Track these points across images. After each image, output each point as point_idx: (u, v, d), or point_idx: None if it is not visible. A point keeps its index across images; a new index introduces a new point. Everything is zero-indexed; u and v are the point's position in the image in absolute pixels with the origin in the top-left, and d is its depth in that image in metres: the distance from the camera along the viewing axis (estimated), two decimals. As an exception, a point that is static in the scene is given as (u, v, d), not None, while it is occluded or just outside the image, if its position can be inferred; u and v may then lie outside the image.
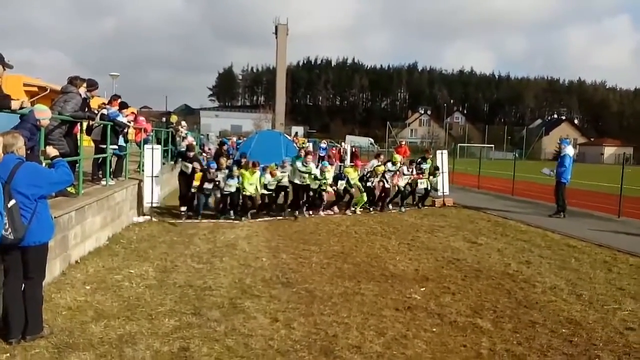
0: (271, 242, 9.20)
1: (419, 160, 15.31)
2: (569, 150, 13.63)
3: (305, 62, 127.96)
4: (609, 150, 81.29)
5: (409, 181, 14.23)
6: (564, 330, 5.20)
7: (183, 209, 11.45)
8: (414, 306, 5.83)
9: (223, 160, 11.83)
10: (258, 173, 11.62)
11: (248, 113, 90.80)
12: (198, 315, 5.27)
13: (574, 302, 6.13)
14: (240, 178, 11.34)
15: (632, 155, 76.11)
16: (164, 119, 18.11)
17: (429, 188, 14.79)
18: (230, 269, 7.12)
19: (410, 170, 14.32)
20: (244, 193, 11.50)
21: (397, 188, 14.06)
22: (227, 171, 11.35)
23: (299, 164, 12.32)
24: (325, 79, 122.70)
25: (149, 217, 10.74)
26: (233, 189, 11.31)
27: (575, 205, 14.78)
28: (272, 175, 11.87)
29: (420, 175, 14.46)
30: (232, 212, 11.67)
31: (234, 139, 45.27)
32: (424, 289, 6.53)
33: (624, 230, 11.59)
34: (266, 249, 8.62)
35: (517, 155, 34.02)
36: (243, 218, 11.46)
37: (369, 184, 13.64)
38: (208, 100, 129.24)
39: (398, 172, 14.04)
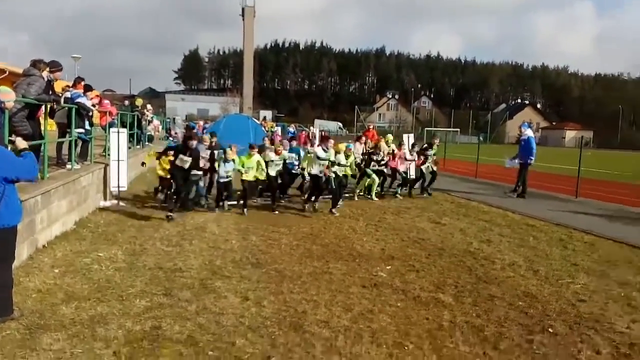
0: (240, 224, 9.28)
1: (425, 146, 14.39)
2: (530, 133, 14.12)
3: (273, 45, 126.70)
4: (570, 134, 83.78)
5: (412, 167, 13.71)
6: (520, 303, 5.50)
7: (171, 214, 9.56)
8: (380, 283, 6.05)
9: (206, 138, 10.95)
10: (257, 156, 10.64)
11: (215, 97, 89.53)
12: (169, 295, 5.35)
13: (531, 277, 6.46)
14: (236, 162, 10.38)
15: (591, 139, 78.85)
16: (126, 102, 17.76)
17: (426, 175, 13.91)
18: (200, 251, 7.19)
19: (413, 156, 13.63)
20: (242, 179, 10.44)
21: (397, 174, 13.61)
22: (219, 153, 10.50)
23: (318, 150, 10.84)
24: (293, 62, 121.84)
25: (115, 202, 10.65)
26: (231, 175, 10.50)
27: (536, 187, 15.32)
28: (277, 153, 10.95)
29: (424, 162, 13.65)
30: (224, 203, 10.70)
31: (201, 122, 44.80)
32: (389, 267, 6.76)
33: (580, 210, 12.12)
34: (235, 231, 8.70)
35: (481, 139, 34.82)
36: (245, 210, 10.31)
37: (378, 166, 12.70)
38: (174, 83, 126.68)
39: (400, 157, 13.45)
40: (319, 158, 10.60)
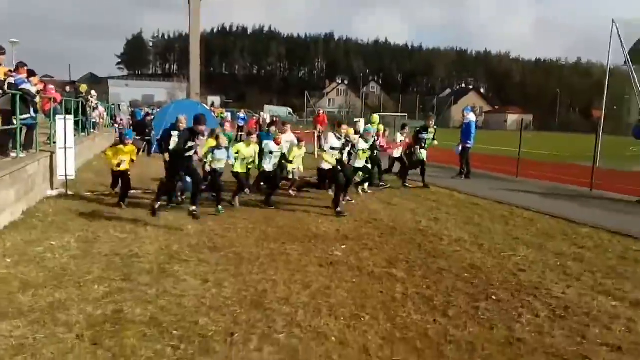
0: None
1: (419, 129, 13.16)
2: (472, 117, 14.74)
3: (220, 29, 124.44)
4: (511, 118, 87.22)
5: (406, 151, 12.85)
6: (466, 274, 5.88)
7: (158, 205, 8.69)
8: (336, 262, 6.28)
9: (183, 118, 9.42)
10: (256, 147, 9.73)
11: (161, 82, 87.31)
12: (128, 280, 5.37)
13: (476, 251, 6.88)
14: (231, 151, 9.20)
15: (531, 122, 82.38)
16: (67, 89, 17.13)
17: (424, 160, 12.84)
18: (156, 237, 7.19)
19: (404, 136, 12.78)
20: (233, 170, 9.52)
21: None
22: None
23: (331, 138, 9.66)
24: (241, 47, 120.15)
25: (63, 191, 10.38)
26: (222, 165, 9.17)
27: (479, 168, 16.04)
28: (277, 142, 9.94)
29: (417, 147, 12.69)
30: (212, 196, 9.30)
31: (146, 108, 43.61)
32: (344, 246, 7.01)
33: (521, 189, 12.84)
34: (190, 216, 8.70)
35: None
36: (233, 203, 9.43)
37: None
38: (116, 68, 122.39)
39: (388, 142, 12.82)
40: (332, 148, 9.41)
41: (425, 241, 7.37)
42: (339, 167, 9.39)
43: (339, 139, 9.43)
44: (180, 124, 9.27)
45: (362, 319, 4.54)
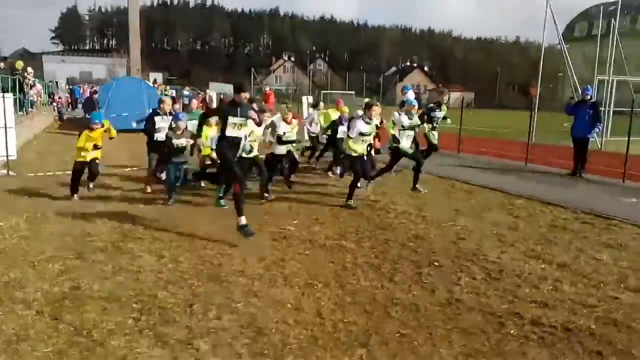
0: (146, 188, 9.21)
1: (431, 106, 11.75)
2: (411, 95, 15.18)
3: (160, 2, 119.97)
4: (454, 95, 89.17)
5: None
6: (411, 244, 6.27)
7: (149, 189, 8.79)
8: (289, 236, 6.53)
9: (167, 99, 9.16)
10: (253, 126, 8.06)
11: (99, 58, 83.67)
12: (82, 259, 5.41)
13: (420, 223, 7.30)
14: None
15: (473, 100, 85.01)
16: (1, 65, 16.31)
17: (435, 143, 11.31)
18: (108, 216, 7.17)
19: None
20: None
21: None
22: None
23: (403, 117, 9.01)
24: (183, 21, 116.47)
25: (4, 172, 10.05)
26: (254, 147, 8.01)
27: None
28: (288, 122, 9.05)
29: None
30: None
31: (86, 86, 41.90)
32: (296, 221, 7.25)
33: (462, 164, 13.53)
34: (142, 195, 8.70)
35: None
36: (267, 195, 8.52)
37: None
38: (50, 43, 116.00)
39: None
40: (361, 134, 8.14)
41: (373, 214, 7.74)
42: (364, 156, 8.28)
43: (368, 123, 8.20)
44: (165, 105, 8.74)
45: (315, 287, 4.82)
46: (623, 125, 13.35)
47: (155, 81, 47.59)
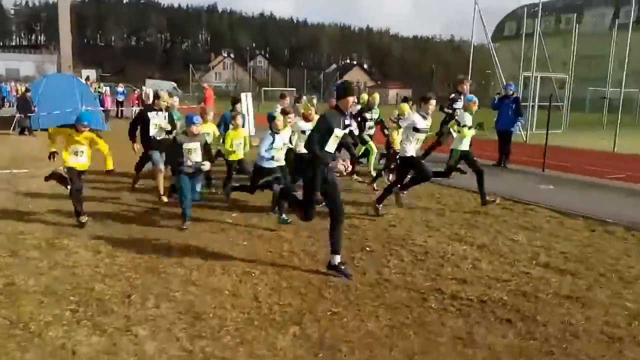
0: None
1: (453, 96, 10.87)
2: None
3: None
4: (392, 92, 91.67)
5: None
6: (346, 232, 6.51)
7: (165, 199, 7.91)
8: (227, 228, 6.68)
9: (164, 94, 8.29)
10: (244, 131, 8.21)
11: (27, 54, 79.43)
12: (16, 256, 5.35)
13: (355, 213, 7.64)
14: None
15: (411, 96, 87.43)
16: None
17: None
18: (41, 214, 7.05)
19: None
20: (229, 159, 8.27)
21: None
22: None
23: (466, 115, 8.13)
24: (117, 16, 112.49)
25: None
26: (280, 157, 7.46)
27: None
28: (308, 119, 8.21)
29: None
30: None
31: (14, 83, 39.77)
32: (235, 214, 7.41)
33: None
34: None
35: (315, 98, 36.51)
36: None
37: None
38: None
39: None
40: (416, 130, 7.40)
41: (310, 206, 7.99)
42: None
43: (425, 118, 7.47)
44: (161, 102, 8.02)
45: (253, 274, 5.02)
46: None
47: (88, 78, 45.82)
